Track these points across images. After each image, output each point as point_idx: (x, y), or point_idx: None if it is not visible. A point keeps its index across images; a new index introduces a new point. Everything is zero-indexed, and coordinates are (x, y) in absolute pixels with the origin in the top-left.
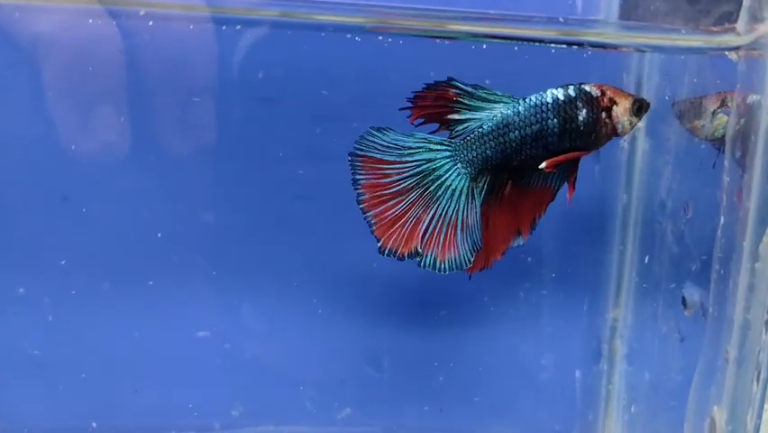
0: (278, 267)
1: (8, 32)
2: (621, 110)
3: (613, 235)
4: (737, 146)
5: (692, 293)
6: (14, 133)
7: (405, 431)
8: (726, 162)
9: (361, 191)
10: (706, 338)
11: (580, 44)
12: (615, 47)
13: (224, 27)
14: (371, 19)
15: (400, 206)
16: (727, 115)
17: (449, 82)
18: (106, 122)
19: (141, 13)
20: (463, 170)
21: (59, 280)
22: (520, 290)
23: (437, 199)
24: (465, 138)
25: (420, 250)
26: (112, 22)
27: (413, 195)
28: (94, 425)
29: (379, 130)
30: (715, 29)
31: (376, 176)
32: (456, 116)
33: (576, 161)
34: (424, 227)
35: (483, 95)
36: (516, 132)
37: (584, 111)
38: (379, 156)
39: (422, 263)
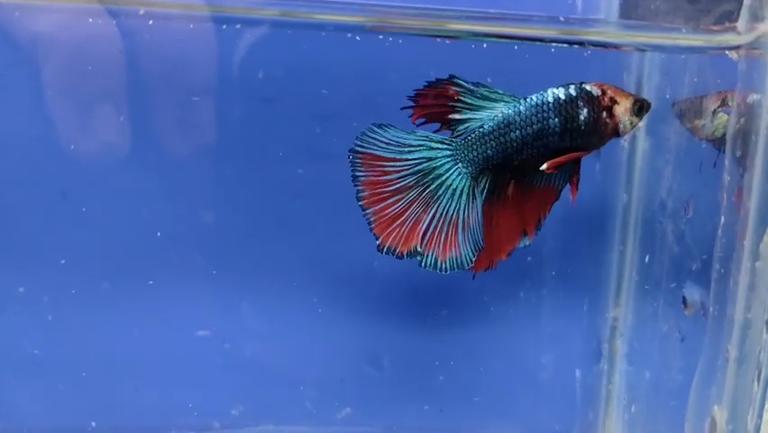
0: (278, 266)
1: (7, 31)
2: (622, 110)
3: (613, 235)
4: (738, 145)
5: (693, 293)
6: (14, 133)
7: (405, 431)
8: (726, 162)
9: (360, 188)
10: (706, 338)
11: (580, 43)
12: (615, 46)
13: (224, 26)
14: (371, 18)
15: (400, 204)
16: (728, 114)
17: (451, 80)
18: (106, 121)
19: (141, 12)
20: (464, 170)
21: (58, 279)
22: (520, 289)
23: (438, 199)
24: (466, 137)
25: (420, 249)
26: (111, 21)
27: (413, 193)
28: (93, 424)
29: (380, 126)
30: (715, 28)
31: (376, 173)
32: (457, 116)
33: (577, 161)
34: (424, 227)
35: (485, 93)
36: (518, 131)
37: (585, 110)
38: (379, 153)
39: (423, 263)
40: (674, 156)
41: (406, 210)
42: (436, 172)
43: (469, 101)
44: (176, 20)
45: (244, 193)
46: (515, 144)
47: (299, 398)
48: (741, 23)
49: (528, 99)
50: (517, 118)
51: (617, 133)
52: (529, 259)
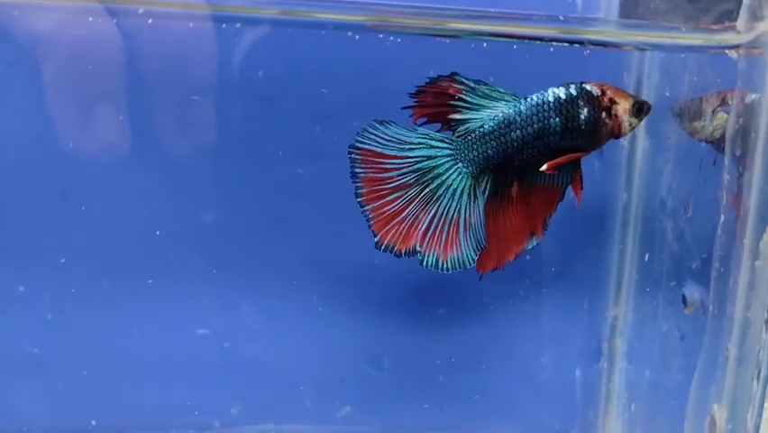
0: (277, 266)
1: (7, 30)
2: (621, 110)
3: (613, 234)
4: (737, 144)
5: (692, 291)
6: (14, 132)
7: (405, 430)
8: (726, 161)
9: (359, 185)
10: (706, 336)
11: (580, 42)
12: (615, 45)
13: (223, 25)
14: (371, 17)
15: (399, 201)
16: (727, 113)
17: (452, 76)
18: (106, 120)
19: (141, 11)
20: (464, 170)
21: (58, 278)
22: (520, 288)
23: (438, 198)
24: (466, 137)
25: (419, 248)
26: (111, 20)
27: (412, 191)
28: (93, 423)
29: (381, 123)
30: (715, 27)
31: (375, 170)
32: (457, 116)
33: (578, 161)
34: (424, 226)
35: (485, 91)
36: (518, 131)
37: (585, 110)
38: (379, 150)
39: (424, 263)
40: (674, 155)
41: (406, 208)
42: (436, 171)
43: (469, 99)
44: (175, 19)
45: (244, 192)
46: (515, 144)
47: (299, 397)
48: (740, 22)
49: (529, 99)
50: (518, 118)
51: (615, 133)
52: (529, 258)
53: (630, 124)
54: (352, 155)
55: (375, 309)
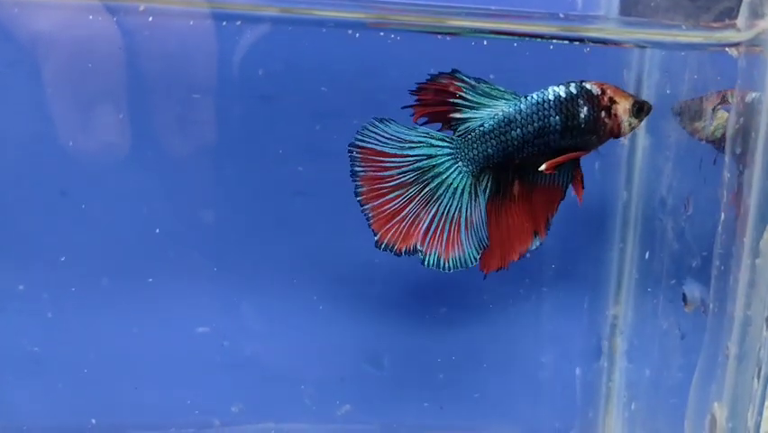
0: (277, 265)
1: (7, 28)
2: (620, 110)
3: (613, 232)
4: (737, 143)
5: (693, 290)
6: (14, 130)
7: (404, 429)
8: (726, 159)
9: (359, 183)
10: (706, 335)
11: (580, 40)
12: (615, 43)
13: (224, 23)
14: (372, 15)
15: (399, 200)
16: (728, 111)
17: (452, 74)
18: (105, 118)
19: (141, 8)
20: (465, 169)
21: (58, 277)
22: (520, 287)
23: (438, 197)
24: (466, 136)
25: (420, 247)
26: (111, 18)
27: (412, 190)
28: (93, 422)
29: (381, 121)
30: (715, 25)
31: (375, 168)
32: (458, 115)
33: (577, 160)
34: (425, 225)
35: (486, 89)
36: (518, 129)
37: (585, 109)
38: (379, 148)
39: (425, 262)
40: (674, 153)
41: (406, 207)
42: (436, 170)
43: (470, 98)
44: (176, 17)
45: (244, 191)
46: (515, 143)
47: (299, 396)
48: (741, 20)
49: (529, 97)
50: (518, 116)
51: (615, 133)
52: (529, 257)
53: (630, 125)
54: (352, 154)
55: (375, 308)
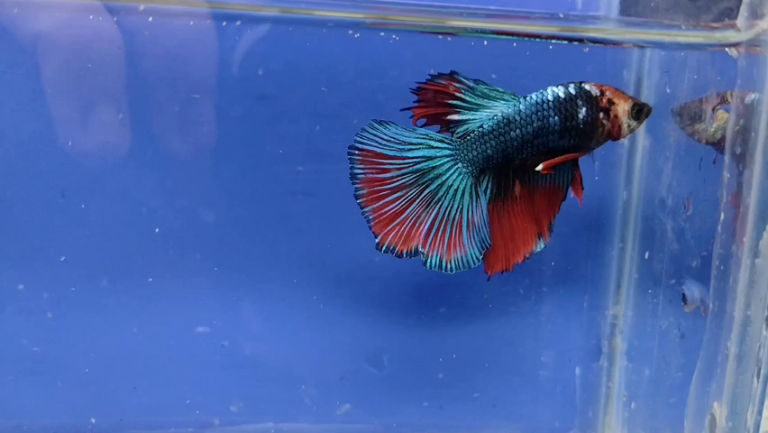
0: (277, 264)
1: (7, 28)
2: (619, 112)
3: (613, 232)
4: (737, 143)
5: (692, 289)
6: (14, 130)
7: (404, 428)
8: (726, 159)
9: (359, 186)
10: (706, 335)
11: (580, 40)
12: (615, 43)
13: (224, 23)
14: (371, 15)
15: (399, 202)
16: (727, 111)
17: (451, 75)
18: (105, 118)
19: (141, 8)
20: (464, 170)
21: (58, 276)
22: (520, 286)
23: (439, 199)
24: (465, 137)
25: (421, 249)
26: (111, 18)
27: (412, 192)
28: (93, 421)
29: (380, 123)
30: (715, 25)
31: (375, 170)
32: (456, 117)
33: (576, 161)
34: (426, 227)
35: (484, 90)
36: (518, 130)
37: (583, 109)
38: (378, 150)
39: (428, 264)
40: (674, 153)
41: (406, 209)
42: (436, 172)
43: (468, 99)
44: (176, 17)
45: (244, 191)
46: (515, 143)
47: (299, 395)
48: (741, 20)
49: (528, 98)
50: (517, 117)
51: (613, 135)
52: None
53: (629, 126)
54: (352, 156)
55: (375, 308)
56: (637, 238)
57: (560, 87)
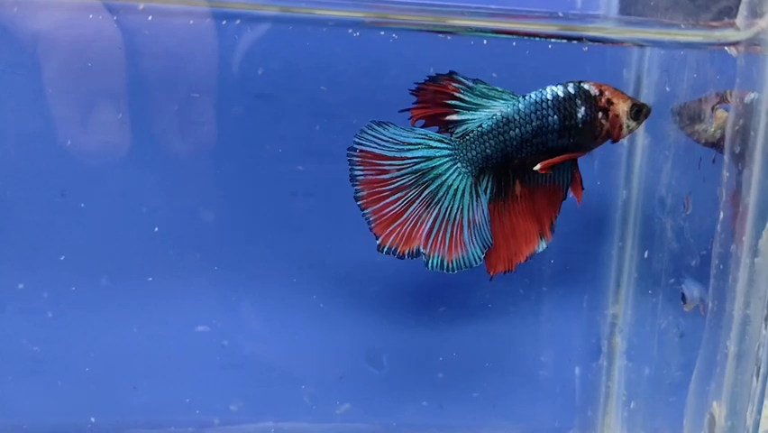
0: (277, 264)
1: (7, 28)
2: (618, 112)
3: (612, 231)
4: (737, 142)
5: (692, 289)
6: (14, 130)
7: (404, 427)
8: (725, 158)
9: (358, 187)
10: (705, 334)
11: (579, 39)
12: (614, 42)
13: (223, 22)
14: (371, 14)
15: (399, 203)
16: (727, 110)
17: (450, 75)
18: (105, 118)
19: (141, 7)
20: (464, 170)
21: (58, 276)
22: (519, 286)
23: (439, 199)
24: (464, 137)
25: (423, 250)
26: (111, 17)
27: (412, 193)
28: (93, 420)
29: (379, 124)
30: (714, 24)
31: (374, 172)
32: (455, 117)
33: (575, 161)
34: (427, 228)
35: (483, 90)
36: (517, 129)
37: (582, 109)
38: (377, 151)
39: (429, 264)
40: (673, 152)
41: (407, 210)
42: (435, 172)
43: (467, 99)
44: (175, 16)
45: (243, 190)
46: (514, 142)
47: (299, 394)
48: (740, 19)
49: (527, 97)
50: (516, 116)
51: (612, 135)
52: None
53: (628, 127)
54: (351, 157)
55: (375, 307)
56: (637, 237)
57: (559, 86)
